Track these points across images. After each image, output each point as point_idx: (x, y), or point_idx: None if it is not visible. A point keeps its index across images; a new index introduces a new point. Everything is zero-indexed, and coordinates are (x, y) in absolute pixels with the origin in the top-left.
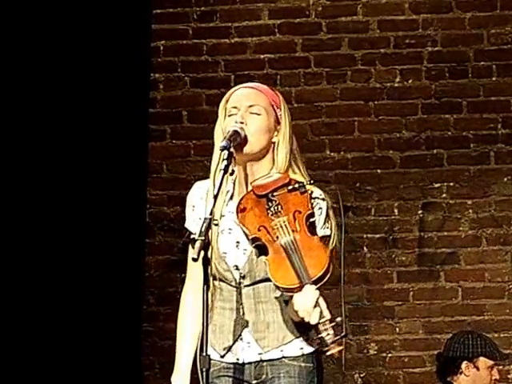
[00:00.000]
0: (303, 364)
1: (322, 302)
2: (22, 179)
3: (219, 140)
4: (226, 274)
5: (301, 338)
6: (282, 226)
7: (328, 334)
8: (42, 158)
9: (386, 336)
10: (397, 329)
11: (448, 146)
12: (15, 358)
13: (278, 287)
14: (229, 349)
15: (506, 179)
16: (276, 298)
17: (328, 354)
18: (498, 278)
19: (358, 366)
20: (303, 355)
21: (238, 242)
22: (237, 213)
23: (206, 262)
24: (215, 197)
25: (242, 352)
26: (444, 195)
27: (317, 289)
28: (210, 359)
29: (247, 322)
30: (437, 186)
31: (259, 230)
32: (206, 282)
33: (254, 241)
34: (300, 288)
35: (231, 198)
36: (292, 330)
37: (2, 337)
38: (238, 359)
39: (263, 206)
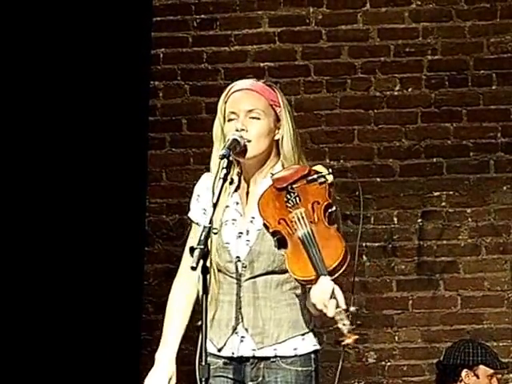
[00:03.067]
0: (300, 368)
1: (338, 292)
2: (21, 186)
3: (218, 137)
4: (227, 265)
5: (296, 338)
6: (299, 218)
7: (344, 324)
8: (41, 164)
9: (385, 344)
10: (396, 337)
11: (447, 154)
12: (15, 368)
13: (296, 280)
14: (225, 343)
15: (505, 188)
16: (276, 295)
17: (343, 343)
18: (497, 286)
19: (356, 374)
20: (298, 356)
21: (240, 233)
22: (258, 210)
23: (205, 271)
24: (214, 206)
25: (236, 346)
26: (443, 204)
27: (333, 279)
28: (209, 367)
29: (242, 317)
30: (436, 194)
31: (279, 223)
32: (204, 291)
33: (274, 234)
34: (316, 280)
35: (236, 189)
36: (287, 330)
37: (1, 346)
38: (233, 353)
39: (283, 199)
